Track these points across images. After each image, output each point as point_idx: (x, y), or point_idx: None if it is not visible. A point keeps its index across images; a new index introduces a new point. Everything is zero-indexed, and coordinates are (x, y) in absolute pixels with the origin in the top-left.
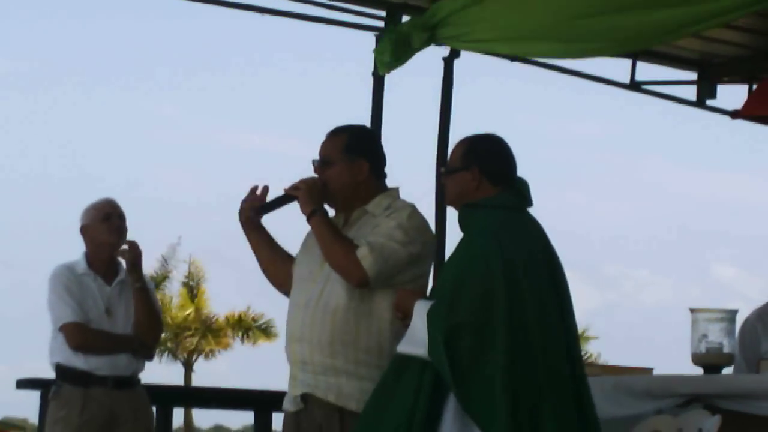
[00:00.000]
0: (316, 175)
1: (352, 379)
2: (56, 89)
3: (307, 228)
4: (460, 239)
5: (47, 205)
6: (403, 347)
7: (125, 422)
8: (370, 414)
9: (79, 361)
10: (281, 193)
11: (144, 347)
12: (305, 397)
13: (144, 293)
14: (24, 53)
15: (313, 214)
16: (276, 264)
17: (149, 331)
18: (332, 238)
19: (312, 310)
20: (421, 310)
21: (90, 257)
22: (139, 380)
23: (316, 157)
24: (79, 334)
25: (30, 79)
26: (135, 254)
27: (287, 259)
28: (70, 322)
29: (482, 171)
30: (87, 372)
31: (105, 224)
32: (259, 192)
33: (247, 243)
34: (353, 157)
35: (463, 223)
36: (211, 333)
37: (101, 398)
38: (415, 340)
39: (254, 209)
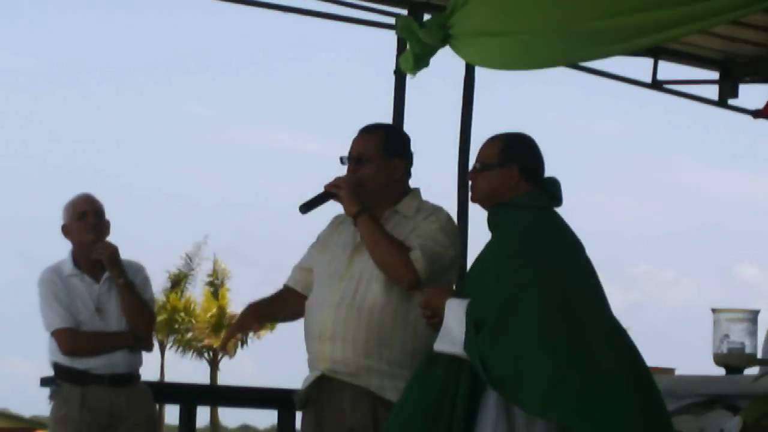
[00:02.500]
0: (349, 174)
1: (386, 379)
2: (82, 87)
3: (313, 227)
4: (492, 238)
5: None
6: (440, 345)
7: (126, 419)
8: (407, 406)
9: (75, 361)
10: (321, 190)
11: (139, 341)
12: (329, 380)
13: (128, 289)
14: (47, 50)
15: (361, 213)
16: (295, 312)
17: (141, 324)
18: (384, 239)
19: (346, 309)
20: (454, 309)
21: (75, 256)
22: (139, 376)
23: (344, 154)
24: (69, 339)
25: (56, 76)
26: (110, 252)
27: (292, 299)
28: (59, 328)
29: (521, 169)
30: (83, 371)
31: (81, 223)
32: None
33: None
34: (390, 156)
35: (493, 222)
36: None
37: (99, 396)
38: (451, 338)
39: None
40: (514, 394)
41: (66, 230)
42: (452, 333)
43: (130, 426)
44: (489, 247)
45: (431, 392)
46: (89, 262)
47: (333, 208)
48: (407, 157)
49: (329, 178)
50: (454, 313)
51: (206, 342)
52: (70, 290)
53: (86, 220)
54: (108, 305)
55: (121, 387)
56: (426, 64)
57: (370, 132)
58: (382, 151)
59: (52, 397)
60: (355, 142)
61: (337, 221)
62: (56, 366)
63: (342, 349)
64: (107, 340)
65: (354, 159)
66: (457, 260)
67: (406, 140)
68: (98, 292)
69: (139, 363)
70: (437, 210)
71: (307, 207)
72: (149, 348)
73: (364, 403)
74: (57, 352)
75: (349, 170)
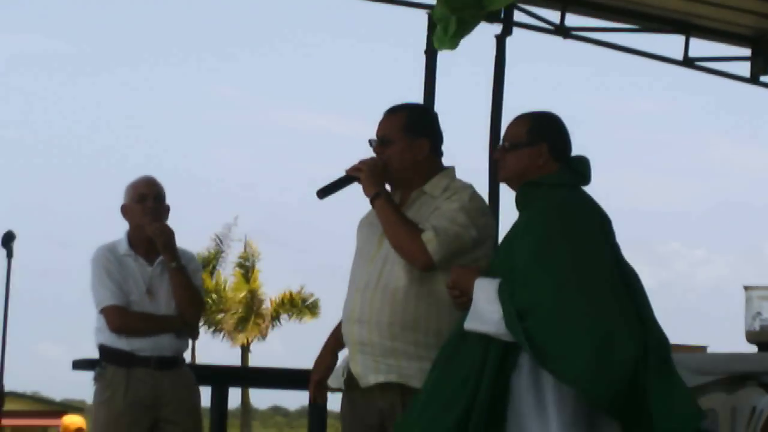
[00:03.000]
0: (375, 156)
1: (413, 360)
2: (112, 70)
3: (342, 210)
4: (522, 217)
5: (102, 186)
6: (470, 324)
7: (169, 402)
8: (434, 392)
9: (121, 342)
10: (342, 174)
11: (187, 326)
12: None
13: (180, 273)
14: (78, 34)
15: (377, 196)
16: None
17: (190, 310)
18: (397, 221)
19: (371, 292)
20: (485, 288)
21: (131, 237)
22: (183, 360)
23: (373, 136)
24: (118, 318)
25: (88, 59)
26: (166, 235)
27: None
28: (109, 305)
29: (550, 148)
30: (129, 353)
31: (140, 205)
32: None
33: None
34: (414, 136)
35: (523, 201)
36: (257, 315)
37: (145, 379)
38: (482, 318)
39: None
40: (557, 367)
41: (125, 210)
42: (482, 312)
43: (173, 410)
44: (519, 226)
45: (459, 370)
46: (144, 244)
47: (357, 192)
48: (433, 136)
49: (355, 161)
50: (484, 292)
51: (234, 332)
52: (123, 269)
53: (146, 204)
54: (159, 288)
55: (167, 370)
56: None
57: (393, 113)
58: (404, 132)
59: (96, 379)
60: (380, 123)
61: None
62: (102, 348)
63: (369, 332)
64: (156, 322)
65: (378, 141)
66: (486, 238)
67: (432, 118)
68: (151, 275)
69: (185, 347)
70: (463, 189)
71: (324, 192)
72: (195, 335)
73: (392, 387)
74: (104, 332)
75: (375, 151)
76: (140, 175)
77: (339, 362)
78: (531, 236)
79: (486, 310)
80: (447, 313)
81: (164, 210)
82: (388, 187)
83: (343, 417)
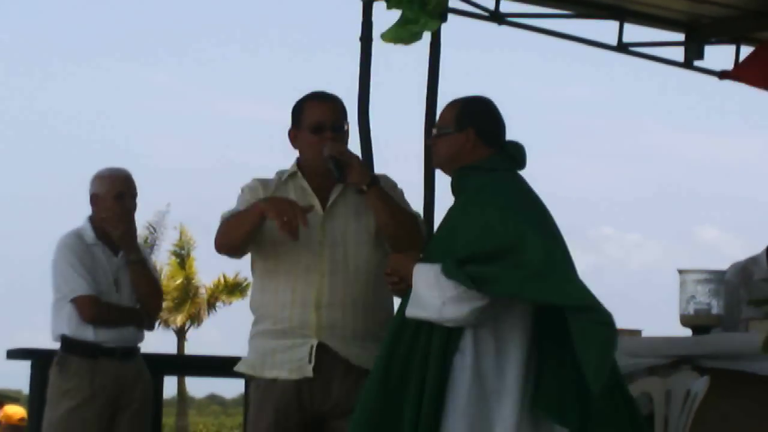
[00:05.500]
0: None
1: (378, 342)
2: (49, 58)
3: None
4: (456, 203)
5: (34, 175)
6: (411, 311)
7: (130, 392)
8: (380, 379)
9: (87, 333)
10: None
11: (148, 318)
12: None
13: (141, 265)
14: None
15: (375, 182)
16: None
17: (151, 302)
18: (399, 208)
19: (341, 276)
20: (423, 273)
21: (97, 226)
22: (139, 349)
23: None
24: (93, 307)
25: (25, 49)
26: (122, 230)
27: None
28: (84, 294)
29: (478, 132)
30: (96, 344)
31: (117, 203)
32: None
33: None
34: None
35: (456, 187)
36: (193, 302)
37: (109, 369)
38: (423, 304)
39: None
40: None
41: (96, 200)
42: (422, 298)
43: (132, 399)
44: (454, 210)
45: (401, 358)
46: (109, 234)
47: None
48: None
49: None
50: (423, 277)
51: (171, 318)
52: (92, 258)
53: (122, 202)
54: (123, 280)
55: (129, 361)
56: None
57: (334, 102)
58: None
59: (58, 370)
60: (325, 110)
61: (272, 184)
62: (64, 339)
63: (342, 314)
64: (124, 314)
65: (336, 128)
66: None
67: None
68: (117, 266)
69: (142, 337)
70: (387, 177)
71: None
72: (153, 327)
73: (353, 374)
74: (68, 323)
75: (331, 139)
76: (115, 167)
77: (286, 355)
78: (474, 217)
79: (426, 295)
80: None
81: (135, 207)
82: (309, 180)
83: (279, 404)
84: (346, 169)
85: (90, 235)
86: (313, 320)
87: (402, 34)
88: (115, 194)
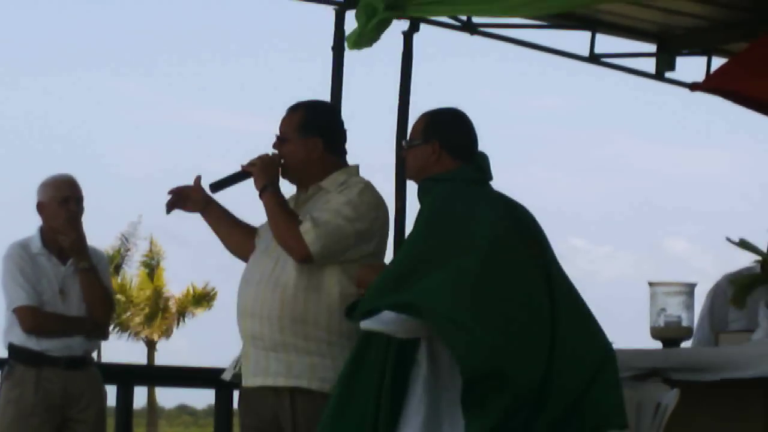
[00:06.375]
0: (275, 152)
1: (303, 355)
2: (17, 67)
3: (240, 205)
4: (417, 213)
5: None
6: (367, 323)
7: (78, 402)
8: (341, 394)
9: (32, 342)
10: (238, 169)
11: (97, 328)
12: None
13: (90, 274)
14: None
15: (264, 189)
16: (234, 237)
17: (101, 311)
18: (279, 214)
19: (264, 286)
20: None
21: (45, 235)
22: (92, 359)
23: (278, 133)
24: (31, 318)
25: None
26: (80, 244)
27: (249, 231)
28: (23, 305)
29: (442, 145)
30: (39, 352)
31: (62, 208)
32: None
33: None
34: (306, 135)
35: (421, 197)
36: (163, 314)
37: (54, 379)
38: (380, 317)
39: (208, 186)
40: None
41: (42, 208)
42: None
43: (82, 408)
44: (414, 223)
45: (366, 371)
46: (58, 243)
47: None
48: (328, 135)
49: (254, 157)
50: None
51: (142, 331)
52: (36, 268)
53: (68, 206)
54: (71, 288)
55: (76, 370)
56: (376, 38)
57: (292, 111)
58: (298, 131)
59: (5, 377)
60: (281, 121)
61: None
62: (11, 347)
63: (260, 326)
64: (68, 323)
65: (277, 138)
66: (376, 233)
67: (329, 117)
68: (64, 274)
69: (94, 347)
70: (356, 184)
71: (217, 186)
72: (105, 336)
73: (282, 389)
74: (14, 331)
75: (274, 148)
76: (59, 173)
77: (234, 355)
78: (413, 228)
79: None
80: (337, 307)
81: (82, 211)
82: (291, 184)
83: (239, 409)
84: (250, 176)
85: (37, 244)
86: (243, 329)
87: (363, 35)
88: (60, 199)
